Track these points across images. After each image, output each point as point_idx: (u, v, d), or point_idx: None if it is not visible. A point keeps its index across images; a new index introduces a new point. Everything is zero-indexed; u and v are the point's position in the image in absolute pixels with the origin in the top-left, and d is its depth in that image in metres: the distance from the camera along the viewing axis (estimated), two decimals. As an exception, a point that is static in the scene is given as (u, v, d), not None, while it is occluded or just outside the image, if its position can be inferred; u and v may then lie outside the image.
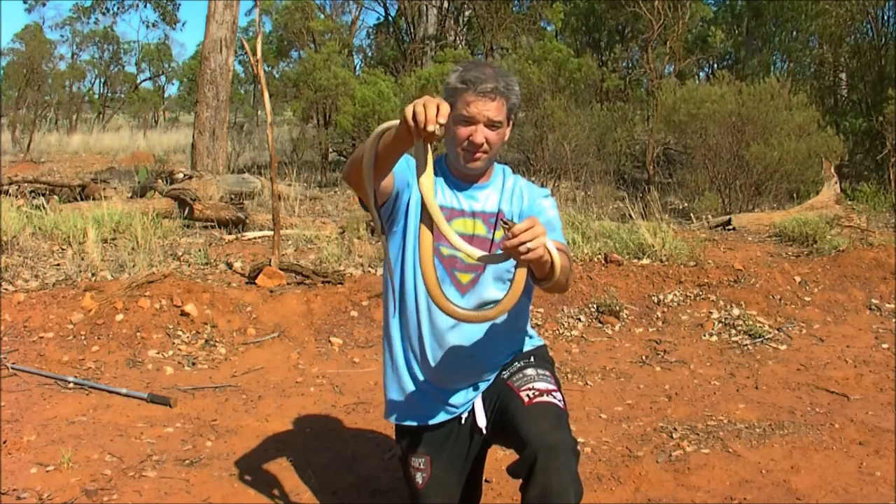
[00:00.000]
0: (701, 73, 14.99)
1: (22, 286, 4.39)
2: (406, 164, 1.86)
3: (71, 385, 3.46)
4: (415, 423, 1.97)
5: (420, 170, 1.62)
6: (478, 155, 1.84)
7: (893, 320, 4.67)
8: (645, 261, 5.05)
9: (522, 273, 1.64)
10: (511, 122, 1.90)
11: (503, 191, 1.95)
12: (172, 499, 2.54)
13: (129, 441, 2.95)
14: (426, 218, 1.65)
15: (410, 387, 1.96)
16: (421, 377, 1.94)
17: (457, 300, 1.88)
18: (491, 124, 1.81)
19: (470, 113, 1.80)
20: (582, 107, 9.75)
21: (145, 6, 24.26)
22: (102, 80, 24.42)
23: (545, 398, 1.82)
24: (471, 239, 1.88)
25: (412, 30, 14.06)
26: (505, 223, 1.61)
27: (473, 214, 1.92)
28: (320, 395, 3.51)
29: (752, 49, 13.25)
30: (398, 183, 1.84)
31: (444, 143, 1.87)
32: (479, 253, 1.70)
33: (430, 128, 1.50)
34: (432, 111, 1.50)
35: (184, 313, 4.08)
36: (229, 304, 4.22)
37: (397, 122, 1.61)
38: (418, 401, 1.95)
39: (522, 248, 1.53)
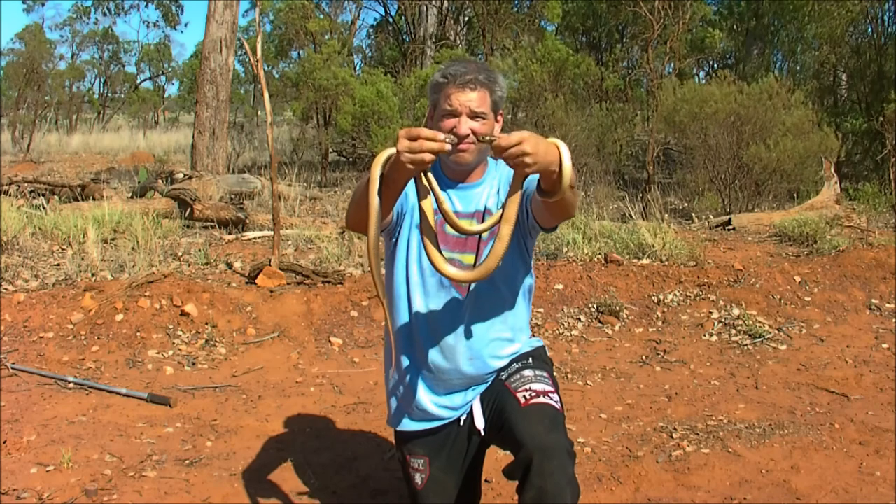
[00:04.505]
0: (701, 73, 15.00)
1: (22, 286, 4.39)
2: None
3: (71, 385, 3.46)
4: (415, 427, 1.97)
5: (422, 195, 1.68)
6: (463, 146, 1.80)
7: (893, 320, 4.67)
8: (645, 261, 5.05)
9: (518, 180, 1.60)
10: (499, 118, 1.87)
11: (492, 186, 1.93)
12: (172, 499, 2.54)
13: (129, 441, 2.95)
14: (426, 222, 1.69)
15: (411, 390, 1.95)
16: (421, 380, 1.94)
17: (458, 303, 1.88)
18: (474, 115, 1.79)
19: (452, 105, 1.78)
20: (582, 107, 9.76)
21: (146, 6, 24.29)
22: (102, 80, 24.46)
23: (542, 399, 1.81)
24: (465, 241, 1.88)
25: (412, 29, 14.06)
26: (481, 138, 1.61)
27: (471, 215, 1.90)
28: (320, 395, 3.52)
29: (752, 49, 13.25)
30: (399, 200, 1.82)
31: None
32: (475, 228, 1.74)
33: (431, 152, 1.52)
34: (422, 142, 1.51)
35: (184, 313, 4.08)
36: (229, 304, 4.22)
37: (390, 153, 1.62)
38: (419, 404, 1.94)
39: (514, 150, 1.50)
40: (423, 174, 1.66)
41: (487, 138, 1.57)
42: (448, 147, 1.55)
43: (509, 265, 1.89)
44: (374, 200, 1.60)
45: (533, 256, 2.00)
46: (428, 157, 1.52)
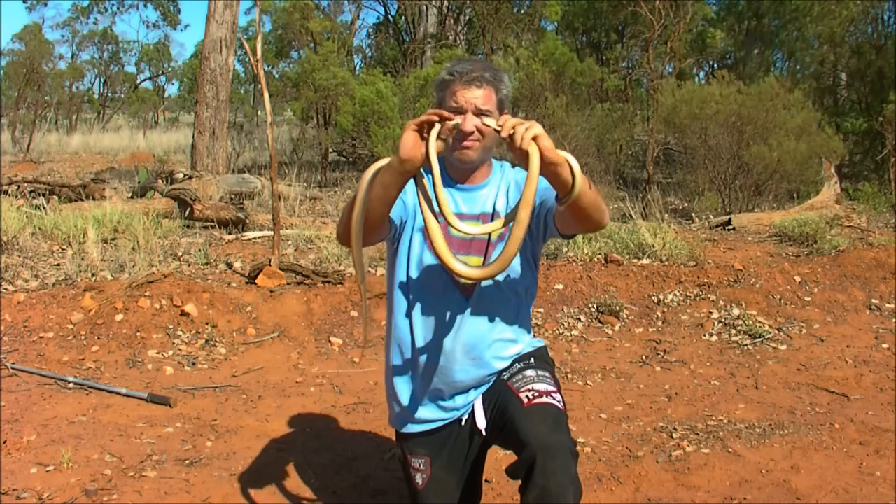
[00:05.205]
0: (701, 73, 14.99)
1: (22, 286, 4.39)
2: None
3: (71, 385, 3.46)
4: (416, 428, 1.96)
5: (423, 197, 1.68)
6: (467, 143, 1.80)
7: (893, 320, 4.67)
8: (645, 261, 5.05)
9: (535, 155, 1.55)
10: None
11: (499, 188, 1.92)
12: (172, 499, 2.54)
13: (129, 441, 2.95)
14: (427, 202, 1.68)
15: (412, 391, 1.95)
16: (422, 381, 1.93)
17: (461, 305, 1.88)
18: (480, 113, 1.78)
19: (458, 102, 1.77)
20: (582, 107, 9.76)
21: (145, 6, 24.31)
22: (102, 80, 24.46)
23: (544, 399, 1.81)
24: (470, 242, 1.87)
25: (412, 29, 14.06)
26: (486, 126, 1.67)
27: (476, 217, 1.89)
28: (320, 395, 3.52)
29: (752, 49, 13.25)
30: (397, 208, 1.81)
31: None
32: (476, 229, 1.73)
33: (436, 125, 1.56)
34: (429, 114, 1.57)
35: (184, 313, 4.08)
36: (229, 304, 4.22)
37: (387, 161, 1.62)
38: (420, 405, 1.94)
39: (519, 130, 1.53)
40: (423, 173, 1.66)
41: (492, 121, 1.60)
42: (455, 121, 1.60)
43: (516, 267, 1.89)
44: (363, 190, 1.61)
45: (539, 267, 2.00)
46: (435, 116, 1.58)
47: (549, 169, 1.58)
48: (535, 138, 1.54)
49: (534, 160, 1.54)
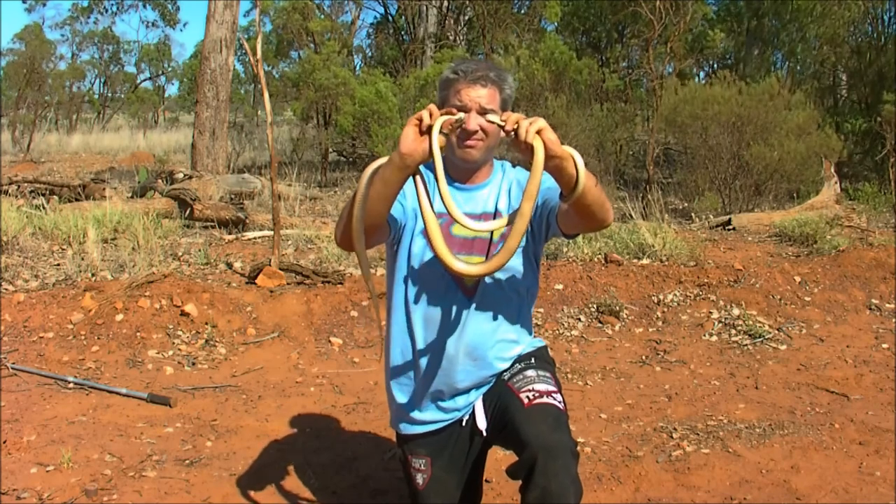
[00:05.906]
0: (701, 73, 14.99)
1: (22, 286, 4.39)
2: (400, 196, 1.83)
3: (71, 385, 3.46)
4: (418, 430, 1.96)
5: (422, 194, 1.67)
6: (471, 142, 1.80)
7: (893, 320, 4.67)
8: (645, 261, 5.05)
9: (540, 149, 1.54)
10: None
11: (500, 188, 1.92)
12: (172, 499, 2.54)
13: (129, 441, 2.95)
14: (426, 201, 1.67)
15: (412, 393, 1.95)
16: (423, 382, 1.93)
17: (463, 305, 1.88)
18: (484, 111, 1.78)
19: (462, 100, 1.78)
20: (582, 107, 9.76)
21: (145, 6, 24.32)
22: (102, 80, 24.47)
23: (545, 399, 1.81)
24: (472, 242, 1.87)
25: (412, 29, 14.06)
26: (489, 122, 1.67)
27: (478, 216, 1.89)
28: (320, 395, 3.51)
29: (752, 49, 13.25)
30: (396, 212, 1.81)
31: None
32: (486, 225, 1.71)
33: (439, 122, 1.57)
34: (427, 117, 1.58)
35: (184, 313, 4.08)
36: (229, 304, 4.22)
37: (386, 159, 1.62)
38: (420, 406, 1.94)
39: (523, 124, 1.53)
40: (422, 171, 1.66)
41: (495, 116, 1.61)
42: (459, 115, 1.60)
43: (518, 266, 1.89)
44: (362, 186, 1.60)
45: (540, 267, 2.00)
46: (435, 111, 1.59)
47: (553, 163, 1.57)
48: (539, 132, 1.53)
49: (538, 154, 1.54)
